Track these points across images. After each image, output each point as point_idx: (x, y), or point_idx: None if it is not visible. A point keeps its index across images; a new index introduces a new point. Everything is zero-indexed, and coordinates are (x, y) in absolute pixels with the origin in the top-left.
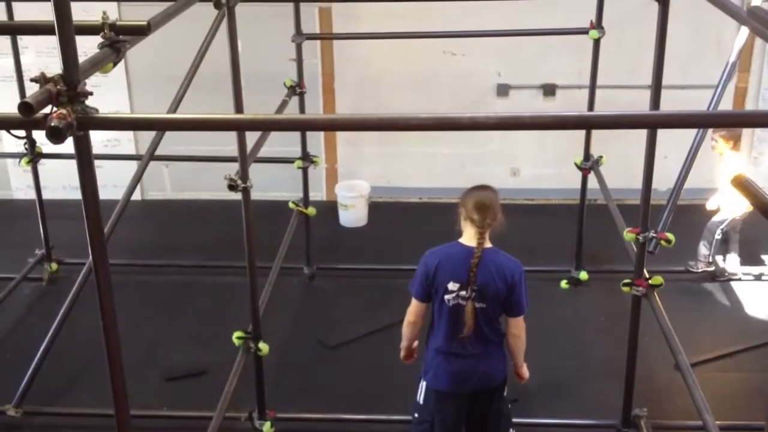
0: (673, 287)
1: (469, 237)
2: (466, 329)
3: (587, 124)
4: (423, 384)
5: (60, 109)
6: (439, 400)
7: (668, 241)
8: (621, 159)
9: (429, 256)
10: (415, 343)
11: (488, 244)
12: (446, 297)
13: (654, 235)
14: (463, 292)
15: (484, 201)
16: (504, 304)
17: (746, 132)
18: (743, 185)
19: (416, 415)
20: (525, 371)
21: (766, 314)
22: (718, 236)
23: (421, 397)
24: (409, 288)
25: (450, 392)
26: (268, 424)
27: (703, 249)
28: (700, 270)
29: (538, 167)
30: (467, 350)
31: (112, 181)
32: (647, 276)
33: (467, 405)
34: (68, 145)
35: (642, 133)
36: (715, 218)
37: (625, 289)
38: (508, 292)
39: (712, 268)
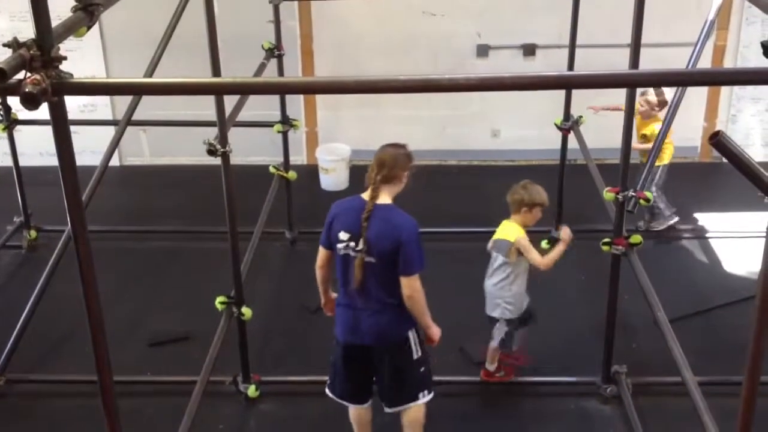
0: (651, 245)
1: (366, 191)
2: (355, 282)
3: (567, 84)
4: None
5: (34, 75)
6: (337, 347)
7: (647, 200)
8: (601, 119)
9: (333, 206)
10: (335, 295)
11: (386, 201)
12: (338, 246)
13: (633, 194)
14: (353, 244)
15: (380, 156)
16: (395, 262)
17: (724, 90)
18: (721, 143)
19: (330, 358)
20: (433, 333)
21: (743, 270)
22: (660, 190)
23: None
24: None
25: (342, 342)
26: (252, 387)
27: (661, 207)
28: (663, 228)
29: (518, 128)
30: (356, 303)
31: (90, 147)
32: (626, 235)
33: (363, 359)
34: (44, 111)
35: (622, 93)
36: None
37: (605, 248)
38: (395, 248)
39: (675, 220)
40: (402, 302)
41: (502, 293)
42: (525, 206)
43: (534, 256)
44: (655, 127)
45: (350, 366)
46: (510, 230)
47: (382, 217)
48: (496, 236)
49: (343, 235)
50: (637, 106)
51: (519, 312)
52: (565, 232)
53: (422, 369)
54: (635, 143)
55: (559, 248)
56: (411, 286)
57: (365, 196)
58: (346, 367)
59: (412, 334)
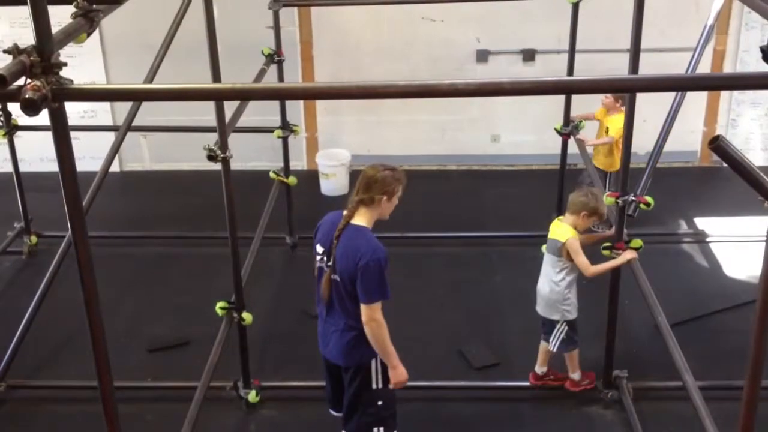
0: (652, 250)
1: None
2: (322, 296)
3: (567, 88)
4: None
5: (34, 81)
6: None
7: (647, 204)
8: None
9: (324, 216)
10: None
11: (360, 222)
12: (316, 257)
13: (633, 198)
14: (325, 259)
15: (365, 175)
16: (356, 286)
17: (724, 94)
18: (721, 147)
19: None
20: (395, 374)
21: (744, 274)
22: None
23: None
24: None
25: (321, 351)
26: (253, 392)
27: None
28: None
29: (518, 133)
30: (323, 317)
31: (90, 153)
32: (627, 239)
33: (336, 372)
34: (44, 117)
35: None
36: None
37: (606, 252)
38: (355, 272)
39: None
40: (359, 328)
41: (560, 296)
42: (587, 211)
43: (582, 260)
44: (618, 121)
45: (331, 376)
46: (561, 230)
47: (349, 237)
48: (549, 236)
49: (319, 248)
50: (603, 97)
51: (577, 311)
52: (630, 255)
53: (380, 402)
54: (593, 140)
55: (614, 262)
56: (367, 315)
57: (345, 211)
58: (328, 376)
59: (375, 363)
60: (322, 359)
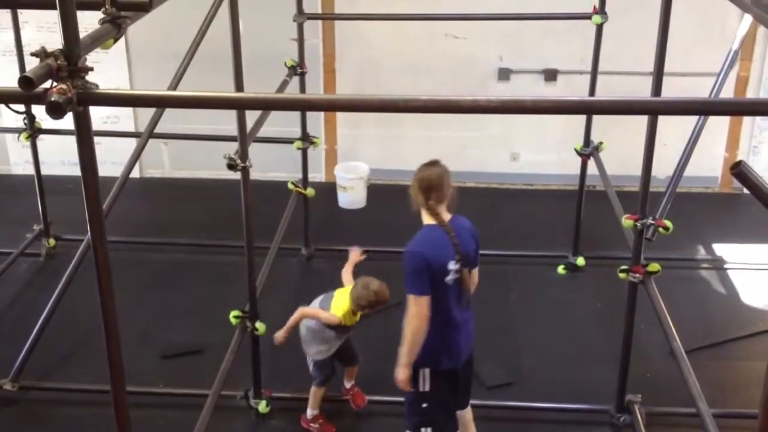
0: (669, 274)
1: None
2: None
3: (588, 109)
4: None
5: (60, 84)
6: None
7: (666, 228)
8: (621, 145)
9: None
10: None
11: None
12: (449, 275)
13: (652, 222)
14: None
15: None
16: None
17: (746, 120)
18: (743, 173)
19: None
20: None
21: (762, 303)
22: None
23: None
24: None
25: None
26: (263, 403)
27: None
28: None
29: (537, 152)
30: (461, 320)
31: (111, 158)
32: (644, 263)
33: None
34: (67, 121)
35: (642, 120)
36: None
37: (622, 275)
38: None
39: None
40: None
41: None
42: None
43: None
44: None
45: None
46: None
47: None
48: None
49: (451, 265)
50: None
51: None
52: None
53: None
54: None
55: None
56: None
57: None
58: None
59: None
60: (453, 369)
